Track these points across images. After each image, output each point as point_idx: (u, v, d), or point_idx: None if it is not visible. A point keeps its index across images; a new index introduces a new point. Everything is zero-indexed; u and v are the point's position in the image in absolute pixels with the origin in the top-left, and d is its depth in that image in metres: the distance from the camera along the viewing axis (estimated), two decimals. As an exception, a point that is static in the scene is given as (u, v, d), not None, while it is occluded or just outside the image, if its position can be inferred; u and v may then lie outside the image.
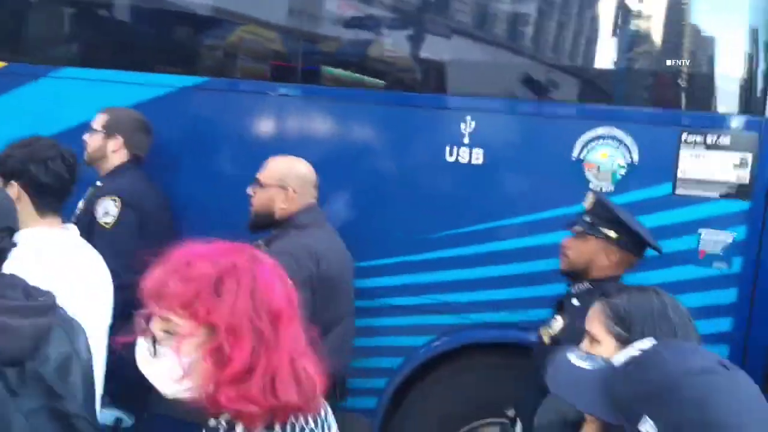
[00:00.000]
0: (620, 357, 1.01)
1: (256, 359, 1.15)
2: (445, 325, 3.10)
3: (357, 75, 3.26)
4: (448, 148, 3.04)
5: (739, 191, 2.75)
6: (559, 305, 2.50)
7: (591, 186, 2.88)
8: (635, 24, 2.99)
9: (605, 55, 3.08)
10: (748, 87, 2.79)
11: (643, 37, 2.95)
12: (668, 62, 2.94)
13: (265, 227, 2.79)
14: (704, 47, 2.95)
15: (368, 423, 3.15)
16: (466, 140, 3.02)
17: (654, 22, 2.94)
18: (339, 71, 3.28)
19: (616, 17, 2.99)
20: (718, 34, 2.90)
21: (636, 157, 2.86)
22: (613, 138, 2.87)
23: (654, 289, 1.56)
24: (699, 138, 2.79)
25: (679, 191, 2.82)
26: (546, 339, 2.43)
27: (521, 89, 3.13)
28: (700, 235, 2.79)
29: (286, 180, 2.75)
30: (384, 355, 3.20)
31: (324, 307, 2.55)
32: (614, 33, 3.00)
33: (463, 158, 3.03)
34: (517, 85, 3.12)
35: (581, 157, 2.91)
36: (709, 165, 2.78)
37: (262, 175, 2.79)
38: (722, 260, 2.78)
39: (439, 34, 3.20)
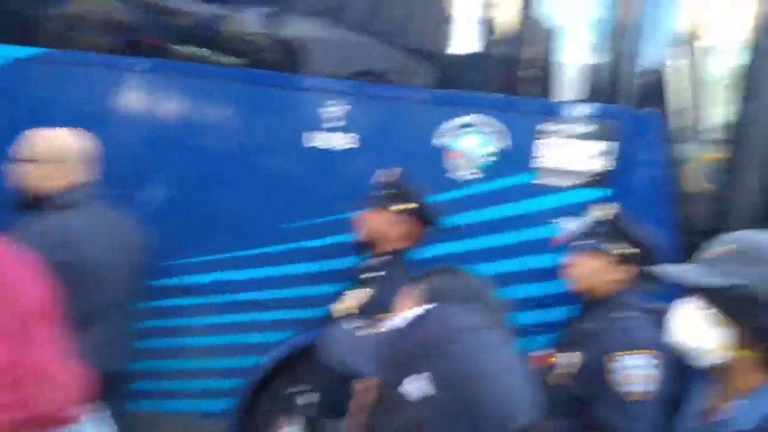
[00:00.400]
0: (397, 321, 1.04)
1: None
2: (307, 319, 2.94)
3: (206, 51, 3.02)
4: (304, 134, 2.87)
5: (599, 180, 2.75)
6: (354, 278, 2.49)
7: (458, 174, 2.80)
8: (499, 12, 2.93)
9: (473, 43, 3.00)
10: (609, 76, 2.79)
11: (509, 26, 2.89)
12: (532, 51, 2.90)
13: (31, 207, 2.38)
14: (568, 36, 2.93)
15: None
16: (325, 124, 2.86)
17: (519, 10, 2.89)
18: (188, 47, 3.03)
19: (489, 7, 2.91)
20: (583, 23, 2.89)
21: (500, 146, 2.80)
22: (478, 126, 2.80)
23: (467, 270, 1.48)
24: (561, 127, 2.77)
25: (542, 180, 2.79)
26: (344, 313, 2.37)
27: (384, 73, 3.00)
28: (559, 223, 2.78)
29: (47, 155, 2.34)
30: (241, 354, 3.00)
31: (82, 297, 2.11)
32: (482, 19, 2.93)
33: (322, 144, 2.87)
34: (379, 69, 2.99)
35: (445, 144, 2.82)
36: (572, 154, 2.76)
37: (24, 150, 2.37)
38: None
39: (295, 13, 3.01)
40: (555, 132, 2.77)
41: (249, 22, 3.02)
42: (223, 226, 2.97)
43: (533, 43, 2.91)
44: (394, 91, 2.91)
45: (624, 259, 2.25)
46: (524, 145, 2.80)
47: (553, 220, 2.77)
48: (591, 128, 2.75)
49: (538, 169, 2.78)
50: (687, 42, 2.91)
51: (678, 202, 2.72)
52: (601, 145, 2.74)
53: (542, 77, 2.89)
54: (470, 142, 2.82)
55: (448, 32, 2.93)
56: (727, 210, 2.71)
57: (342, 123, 2.87)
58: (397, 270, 2.41)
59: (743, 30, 2.82)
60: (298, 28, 2.99)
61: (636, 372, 2.06)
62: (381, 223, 2.49)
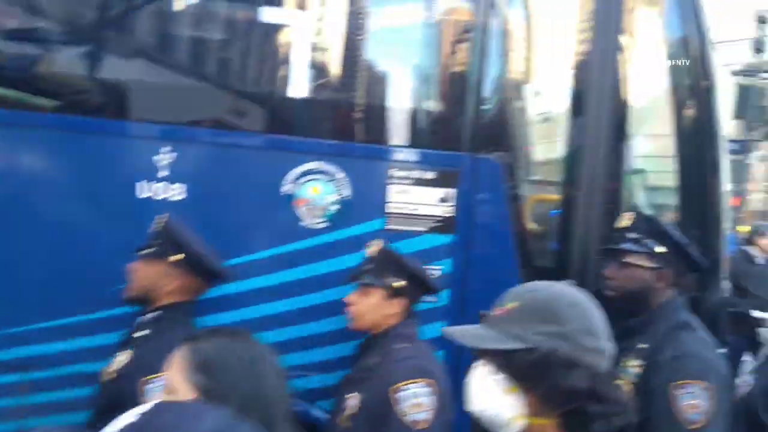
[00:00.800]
0: (116, 424, 0.82)
1: None
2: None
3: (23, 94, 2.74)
4: (138, 184, 2.67)
5: (444, 225, 2.79)
6: (126, 339, 2.31)
7: (303, 223, 2.73)
8: (342, 58, 2.93)
9: (315, 89, 2.97)
10: (450, 124, 2.86)
11: (352, 72, 2.89)
12: (376, 98, 2.92)
13: None
14: (411, 84, 2.98)
15: None
16: (161, 174, 2.68)
17: (362, 56, 2.90)
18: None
19: (324, 51, 2.89)
20: (423, 71, 2.96)
21: (347, 193, 2.76)
22: (324, 173, 2.75)
23: (249, 334, 1.38)
24: (406, 173, 2.79)
25: (390, 226, 2.78)
26: (109, 376, 2.20)
27: (224, 119, 2.88)
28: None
29: None
30: None
31: None
32: (324, 66, 2.91)
33: (158, 194, 2.68)
34: (219, 115, 2.87)
35: (292, 192, 2.74)
36: (416, 200, 2.79)
37: None
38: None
39: (122, 54, 2.82)
40: (399, 179, 2.78)
41: (67, 61, 2.78)
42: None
43: (372, 88, 2.92)
44: (228, 137, 2.78)
45: (396, 293, 2.32)
46: (369, 192, 2.79)
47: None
48: (432, 174, 2.79)
49: (385, 216, 2.78)
50: (521, 85, 3.06)
51: (520, 243, 2.82)
52: (443, 191, 2.79)
53: (385, 123, 2.91)
54: (313, 190, 2.76)
55: (300, 76, 2.88)
56: (566, 249, 2.85)
57: (168, 173, 2.70)
58: (170, 328, 2.20)
59: (568, 72, 3.02)
60: (120, 69, 2.80)
61: (420, 400, 2.04)
62: (151, 276, 2.29)
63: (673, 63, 2.98)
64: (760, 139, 12.68)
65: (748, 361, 4.84)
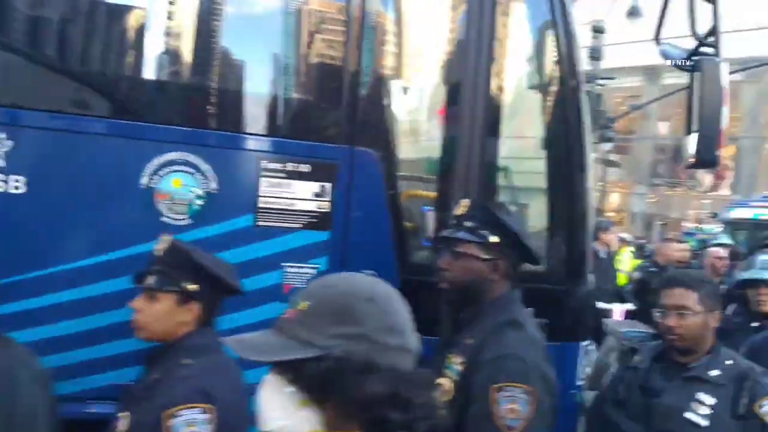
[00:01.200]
0: None
1: None
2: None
3: None
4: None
5: (320, 222, 2.65)
6: None
7: (164, 219, 2.47)
8: (210, 43, 2.69)
9: (180, 73, 2.71)
10: (327, 115, 2.73)
11: (218, 56, 2.66)
12: (247, 85, 2.72)
13: None
14: (284, 73, 2.80)
15: None
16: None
17: (232, 41, 2.68)
18: None
19: (184, 36, 2.64)
20: (299, 60, 2.79)
21: (214, 186, 2.54)
22: (187, 164, 2.51)
23: (9, 340, 1.23)
24: (279, 166, 2.62)
25: (261, 222, 2.60)
26: None
27: (71, 102, 2.55)
28: (284, 268, 2.61)
29: None
30: None
31: None
32: (186, 50, 2.66)
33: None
34: (67, 98, 2.54)
35: (151, 185, 2.47)
36: (290, 194, 2.62)
37: None
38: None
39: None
40: (271, 171, 2.61)
41: None
42: None
43: (242, 75, 2.73)
44: (77, 122, 2.46)
45: (189, 297, 2.01)
46: (238, 185, 2.59)
47: (280, 266, 2.59)
48: (307, 167, 2.64)
49: (257, 212, 2.59)
50: (397, 80, 2.98)
51: (398, 240, 2.74)
52: (319, 185, 2.65)
53: (256, 112, 2.72)
54: (175, 183, 2.51)
55: (142, 57, 2.61)
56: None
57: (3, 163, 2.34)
58: None
59: (441, 68, 2.99)
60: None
61: (194, 429, 1.79)
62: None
63: (541, 62, 3.04)
64: (596, 141, 13.65)
65: (592, 349, 5.13)
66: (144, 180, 2.46)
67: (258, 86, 2.74)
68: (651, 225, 27.21)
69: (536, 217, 3.03)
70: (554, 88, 3.00)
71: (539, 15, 2.99)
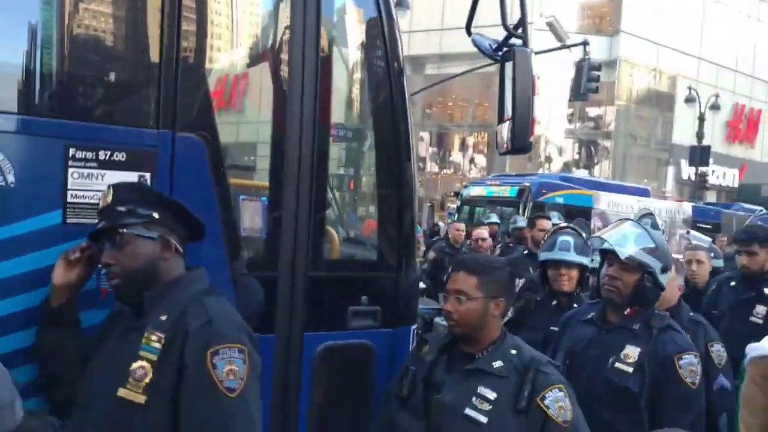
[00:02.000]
0: None
1: None
2: None
3: None
4: None
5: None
6: None
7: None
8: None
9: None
10: (144, 97, 2.43)
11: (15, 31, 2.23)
12: (52, 64, 2.33)
13: None
14: (94, 49, 2.43)
15: None
16: None
17: (32, 17, 2.26)
18: None
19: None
20: (111, 36, 2.45)
21: (10, 179, 2.14)
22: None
23: None
24: (90, 154, 2.28)
25: (71, 219, 2.25)
26: None
27: None
28: (102, 270, 2.29)
29: None
30: None
31: None
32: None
33: None
34: None
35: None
36: (104, 186, 2.30)
37: None
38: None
39: None
40: (81, 161, 2.26)
41: None
42: None
43: (58, 55, 2.33)
44: None
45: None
46: (41, 177, 2.22)
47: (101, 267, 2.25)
48: (123, 155, 2.34)
49: (64, 207, 2.23)
50: (220, 66, 2.76)
51: (227, 233, 2.54)
52: (136, 175, 2.36)
53: (58, 93, 2.34)
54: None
55: None
56: (271, 238, 2.67)
57: None
58: None
59: (266, 56, 2.83)
60: None
61: None
62: None
63: (365, 47, 3.03)
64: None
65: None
66: None
67: (61, 66, 2.35)
68: (421, 206, 29.13)
69: (364, 204, 3.02)
70: (379, 71, 2.98)
71: (366, 9, 2.97)
